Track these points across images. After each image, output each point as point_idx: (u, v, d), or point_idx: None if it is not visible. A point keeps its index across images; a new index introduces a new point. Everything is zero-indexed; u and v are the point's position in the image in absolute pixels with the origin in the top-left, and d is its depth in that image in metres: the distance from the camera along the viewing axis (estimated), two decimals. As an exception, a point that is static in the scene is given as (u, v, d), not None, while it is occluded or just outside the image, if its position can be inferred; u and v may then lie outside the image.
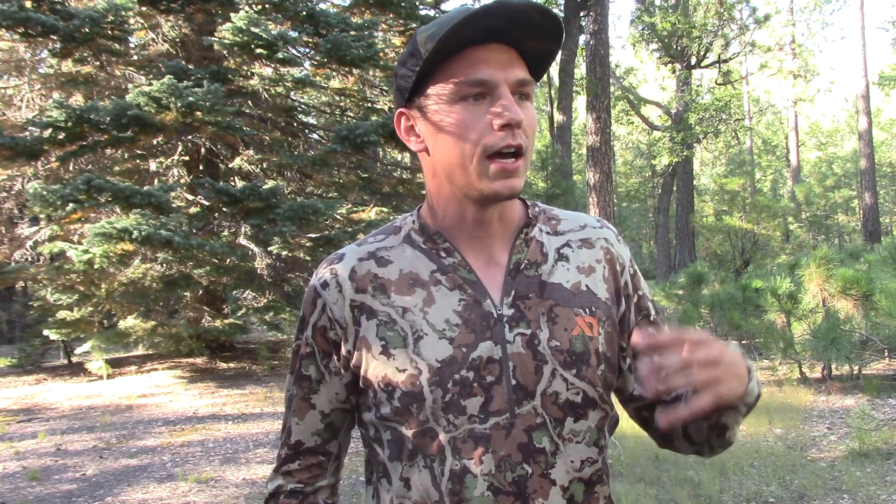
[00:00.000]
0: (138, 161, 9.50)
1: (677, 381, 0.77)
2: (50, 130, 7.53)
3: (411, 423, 0.90)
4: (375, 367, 0.92)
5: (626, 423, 1.20)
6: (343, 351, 0.95)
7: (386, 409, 0.92)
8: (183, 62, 8.40)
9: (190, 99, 7.18)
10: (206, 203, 8.24)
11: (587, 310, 0.94)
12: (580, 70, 18.83)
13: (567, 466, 0.90)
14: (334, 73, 10.19)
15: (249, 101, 9.30)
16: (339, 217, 9.12)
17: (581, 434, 0.91)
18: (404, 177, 10.95)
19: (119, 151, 9.13)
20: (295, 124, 10.36)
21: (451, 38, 0.85)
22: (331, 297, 0.95)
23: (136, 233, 6.78)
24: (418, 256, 0.95)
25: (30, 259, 9.18)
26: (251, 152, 9.41)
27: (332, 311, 0.95)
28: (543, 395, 0.90)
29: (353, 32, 8.45)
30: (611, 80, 15.46)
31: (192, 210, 8.42)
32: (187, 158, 9.31)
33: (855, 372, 6.89)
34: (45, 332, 8.76)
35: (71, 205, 7.18)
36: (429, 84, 0.91)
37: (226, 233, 8.55)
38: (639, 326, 1.00)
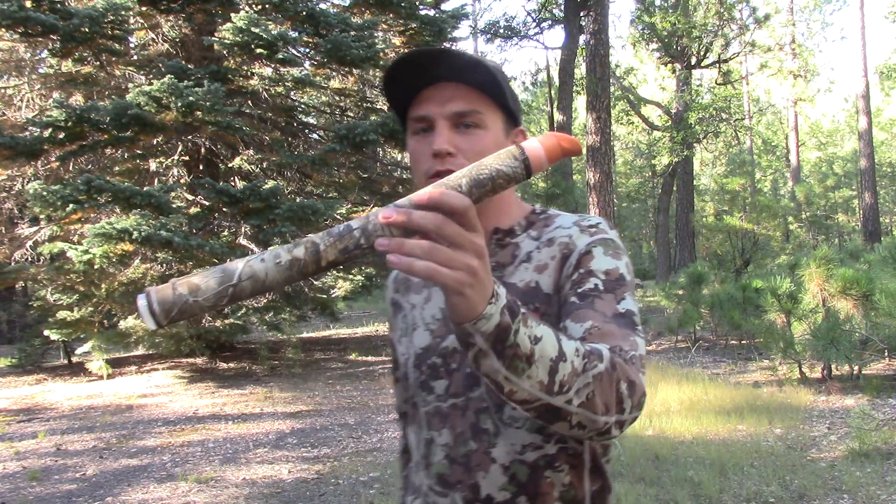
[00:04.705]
0: (138, 161, 9.50)
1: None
2: (50, 130, 7.53)
3: (407, 394, 1.11)
4: (397, 349, 1.16)
5: (627, 424, 1.20)
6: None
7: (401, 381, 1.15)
8: (183, 62, 8.39)
9: (190, 99, 7.17)
10: (206, 203, 8.23)
11: (531, 306, 0.99)
12: (580, 70, 18.82)
13: (508, 448, 0.97)
14: (334, 73, 10.19)
15: (249, 101, 9.30)
16: (339, 217, 9.11)
17: (521, 421, 0.97)
18: (404, 176, 10.95)
19: (119, 151, 9.13)
20: (295, 124, 10.36)
21: (387, 92, 1.03)
22: (388, 293, 1.21)
23: (136, 233, 6.77)
24: None
25: (30, 259, 9.17)
26: (251, 152, 9.41)
27: (388, 302, 1.21)
28: None
29: (353, 32, 8.45)
30: (611, 80, 15.45)
31: (192, 210, 8.41)
32: (187, 158, 9.31)
33: (855, 372, 6.89)
34: (45, 332, 8.75)
35: (71, 205, 7.18)
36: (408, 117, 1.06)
37: (226, 233, 8.55)
38: (567, 299, 0.96)
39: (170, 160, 9.42)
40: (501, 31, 20.14)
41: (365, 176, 10.33)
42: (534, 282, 1.00)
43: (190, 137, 8.60)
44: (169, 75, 7.35)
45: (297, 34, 8.63)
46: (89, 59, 8.43)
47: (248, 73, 8.95)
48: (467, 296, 0.68)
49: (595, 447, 1.01)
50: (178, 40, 9.15)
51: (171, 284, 0.68)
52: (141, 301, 0.68)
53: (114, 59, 8.56)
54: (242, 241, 8.31)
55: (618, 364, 0.81)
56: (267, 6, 8.58)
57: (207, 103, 7.29)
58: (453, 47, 1.05)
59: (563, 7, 16.27)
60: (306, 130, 10.82)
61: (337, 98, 10.91)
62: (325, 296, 10.95)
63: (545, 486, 0.97)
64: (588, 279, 0.96)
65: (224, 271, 0.69)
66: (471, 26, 21.66)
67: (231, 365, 9.41)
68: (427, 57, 0.99)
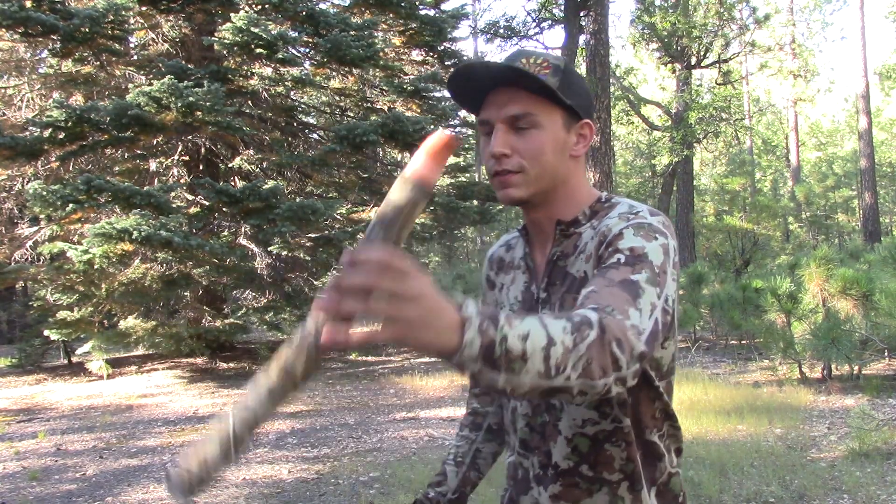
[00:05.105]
0: (138, 161, 9.50)
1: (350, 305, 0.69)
2: (50, 130, 7.53)
3: None
4: None
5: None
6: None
7: None
8: (183, 62, 8.39)
9: (190, 99, 7.18)
10: (206, 203, 8.23)
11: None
12: (580, 70, 18.83)
13: (570, 422, 1.08)
14: (334, 73, 10.19)
15: (249, 101, 9.31)
16: (338, 217, 9.11)
17: None
18: (404, 177, 10.92)
19: (119, 151, 9.14)
20: (295, 124, 10.36)
21: (454, 98, 1.14)
22: (483, 269, 1.32)
23: (136, 233, 6.77)
24: (522, 247, 1.23)
25: (30, 259, 9.17)
26: (251, 152, 9.41)
27: (483, 278, 1.31)
28: None
29: (353, 32, 8.45)
30: (611, 80, 15.45)
31: (192, 210, 8.41)
32: (187, 158, 9.31)
33: (855, 372, 6.89)
34: (46, 332, 8.75)
35: (71, 205, 7.18)
36: None
37: (226, 233, 8.55)
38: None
39: (170, 160, 9.42)
40: (501, 31, 20.09)
41: (365, 176, 10.33)
42: (583, 271, 1.09)
43: (190, 137, 8.60)
44: (169, 75, 7.35)
45: (296, 34, 8.63)
46: (89, 59, 8.43)
47: (248, 73, 8.95)
48: (421, 338, 0.69)
49: (638, 423, 1.08)
50: (178, 40, 9.15)
51: (186, 469, 0.77)
52: (165, 486, 0.78)
53: (114, 59, 8.56)
54: (242, 241, 8.31)
55: (606, 325, 0.81)
56: (267, 6, 8.58)
57: (207, 103, 7.29)
58: (525, 48, 1.20)
59: (563, 7, 16.24)
60: (306, 130, 10.82)
61: (337, 98, 10.90)
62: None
63: (605, 457, 1.08)
64: (613, 255, 0.99)
65: (220, 433, 0.78)
66: (471, 26, 21.64)
67: (231, 365, 9.40)
68: (486, 65, 1.09)
